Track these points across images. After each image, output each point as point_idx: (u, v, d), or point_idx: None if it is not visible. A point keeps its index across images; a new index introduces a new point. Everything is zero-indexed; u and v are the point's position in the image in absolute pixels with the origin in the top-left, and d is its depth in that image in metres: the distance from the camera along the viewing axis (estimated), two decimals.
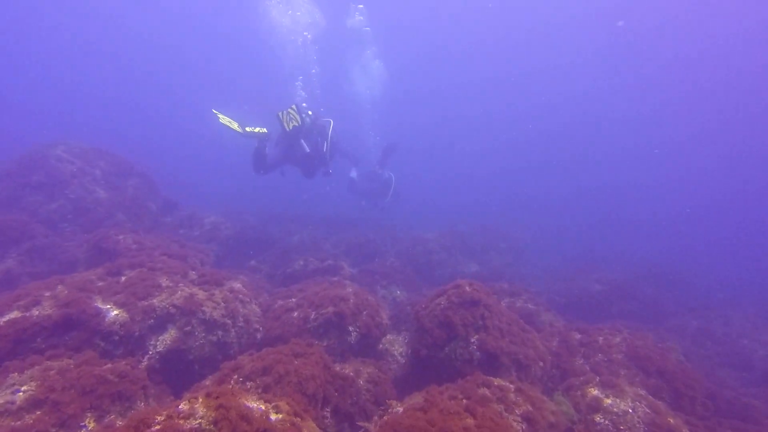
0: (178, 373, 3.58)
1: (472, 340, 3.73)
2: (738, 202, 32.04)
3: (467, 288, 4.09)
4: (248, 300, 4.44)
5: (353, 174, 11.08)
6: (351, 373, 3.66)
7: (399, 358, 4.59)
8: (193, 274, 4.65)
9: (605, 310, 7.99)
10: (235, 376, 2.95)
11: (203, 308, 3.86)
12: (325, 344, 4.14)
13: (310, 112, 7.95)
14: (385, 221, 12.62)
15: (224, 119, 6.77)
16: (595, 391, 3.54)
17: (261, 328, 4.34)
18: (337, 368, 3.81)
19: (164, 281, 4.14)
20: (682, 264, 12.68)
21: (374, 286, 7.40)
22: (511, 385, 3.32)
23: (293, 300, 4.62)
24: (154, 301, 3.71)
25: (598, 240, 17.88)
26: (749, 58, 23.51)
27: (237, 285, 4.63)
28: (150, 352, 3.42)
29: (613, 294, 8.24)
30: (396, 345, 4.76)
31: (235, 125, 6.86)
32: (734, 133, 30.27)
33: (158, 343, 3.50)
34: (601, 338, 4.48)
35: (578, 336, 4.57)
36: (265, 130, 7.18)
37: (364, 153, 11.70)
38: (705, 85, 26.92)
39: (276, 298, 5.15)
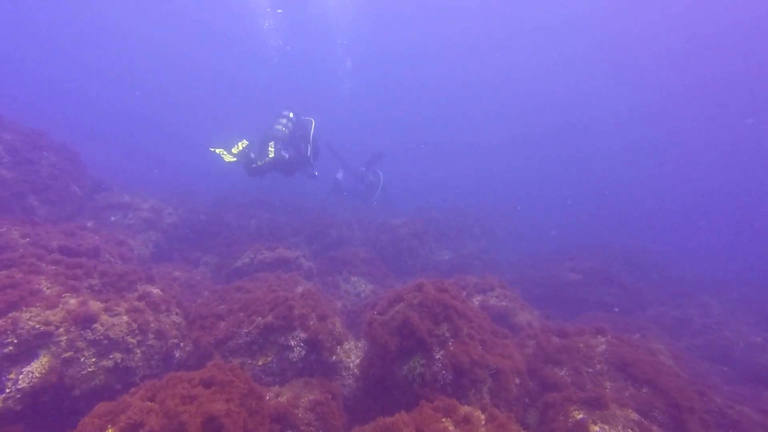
0: (56, 414, 2.74)
1: (437, 356, 3.07)
2: (719, 196, 33.28)
3: (431, 290, 3.40)
4: (166, 309, 3.57)
5: (339, 176, 11.11)
6: (285, 401, 2.92)
7: (355, 371, 3.89)
8: (95, 277, 3.72)
9: (582, 300, 7.60)
10: (110, 429, 2.14)
11: (95, 324, 2.98)
12: (260, 363, 3.38)
13: (291, 114, 7.78)
14: (352, 206, 11.84)
15: (228, 157, 6.69)
16: (579, 415, 2.97)
17: (181, 345, 3.51)
18: (272, 394, 3.08)
19: (45, 287, 3.21)
20: (659, 251, 12.63)
21: (336, 278, 6.66)
22: (482, 415, 2.69)
23: (223, 306, 3.79)
24: (20, 316, 2.80)
25: (576, 228, 17.86)
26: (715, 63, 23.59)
27: (153, 289, 3.76)
28: (7, 391, 2.55)
29: (590, 283, 7.84)
30: (353, 355, 4.06)
31: (228, 157, 6.70)
32: (715, 131, 30.98)
33: (21, 377, 2.62)
34: (581, 343, 3.94)
35: (557, 340, 4.02)
36: (245, 141, 6.98)
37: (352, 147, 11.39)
38: (694, 83, 26.99)
39: (210, 301, 4.30)
